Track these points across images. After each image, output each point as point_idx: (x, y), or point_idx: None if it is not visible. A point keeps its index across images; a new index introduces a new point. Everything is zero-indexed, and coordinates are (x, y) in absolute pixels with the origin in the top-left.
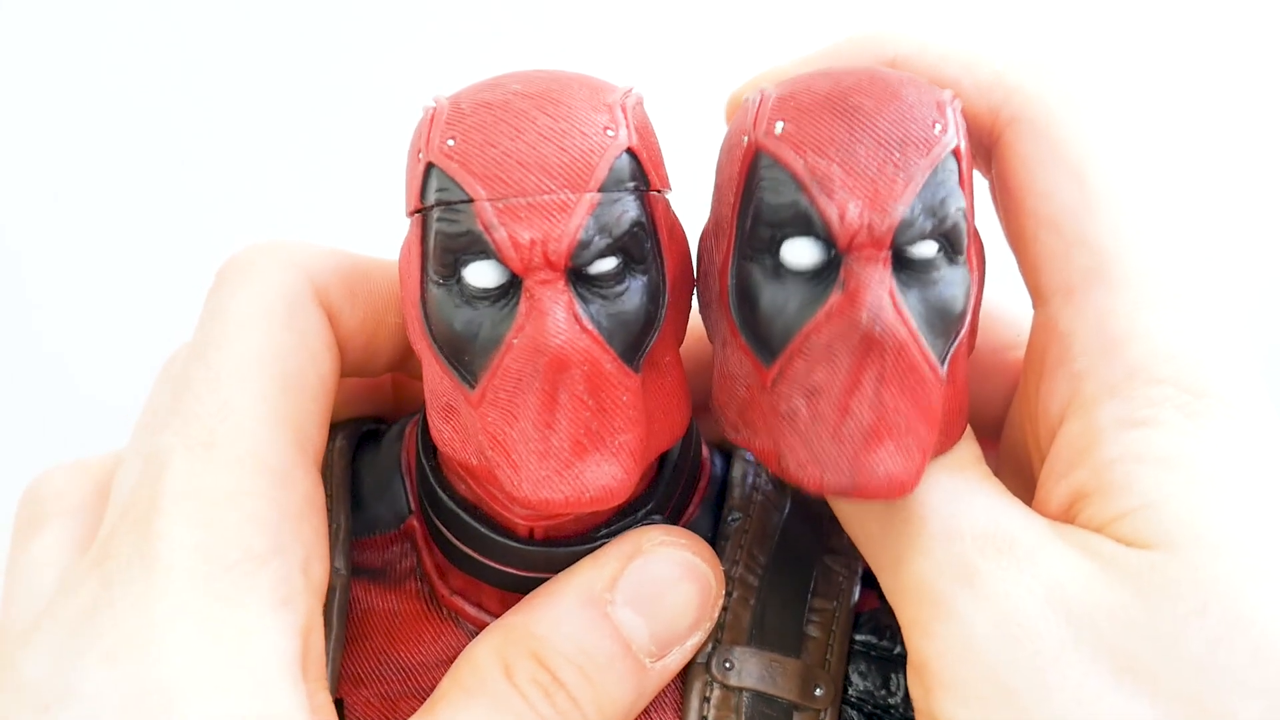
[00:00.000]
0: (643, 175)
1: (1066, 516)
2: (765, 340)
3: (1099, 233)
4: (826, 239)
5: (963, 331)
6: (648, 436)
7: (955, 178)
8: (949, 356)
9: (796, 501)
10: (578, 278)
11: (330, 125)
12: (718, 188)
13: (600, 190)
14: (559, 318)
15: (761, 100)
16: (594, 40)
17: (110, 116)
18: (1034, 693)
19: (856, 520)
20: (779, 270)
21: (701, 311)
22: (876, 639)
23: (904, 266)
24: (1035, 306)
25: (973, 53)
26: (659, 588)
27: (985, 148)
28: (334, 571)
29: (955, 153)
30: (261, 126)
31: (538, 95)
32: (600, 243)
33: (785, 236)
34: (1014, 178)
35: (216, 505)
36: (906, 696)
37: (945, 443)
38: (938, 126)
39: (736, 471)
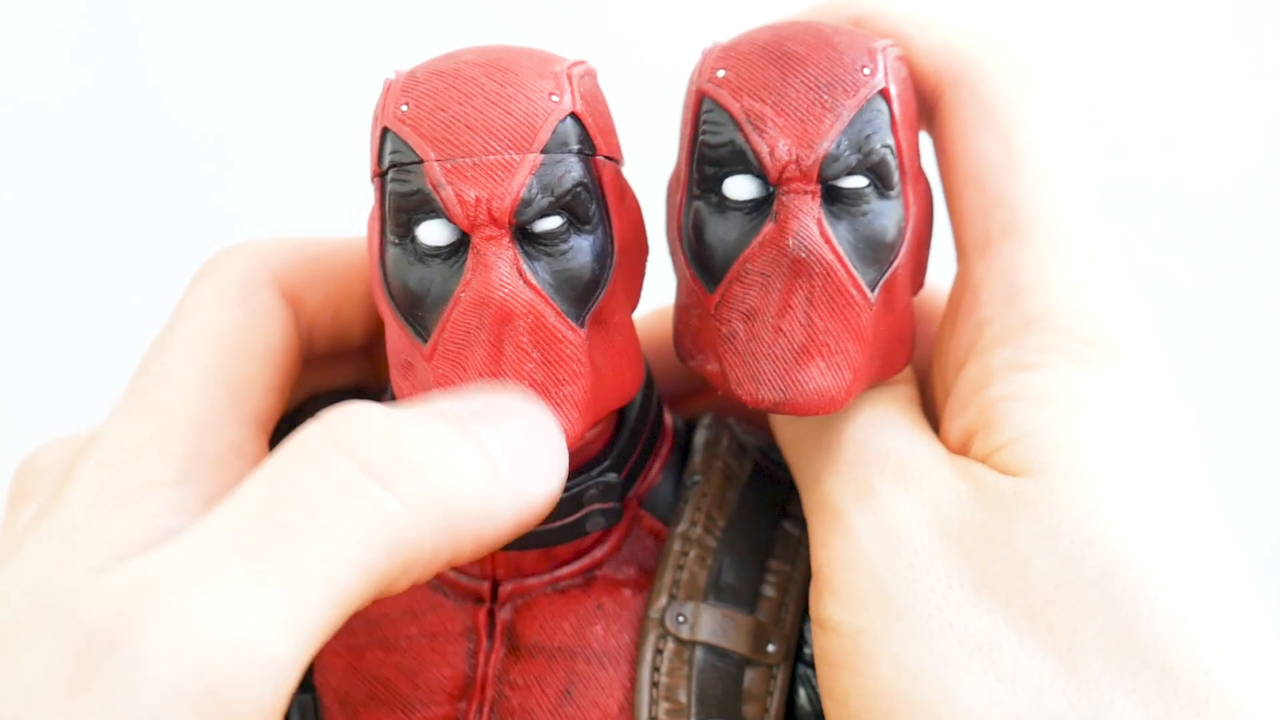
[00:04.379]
0: (588, 140)
1: (961, 451)
2: (709, 269)
3: (1018, 192)
4: (761, 174)
5: (896, 261)
6: (594, 390)
7: (884, 117)
8: (881, 283)
9: (758, 468)
10: (524, 236)
11: (325, 108)
12: (679, 138)
13: (543, 152)
14: (503, 272)
15: (709, 52)
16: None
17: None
18: (905, 599)
19: (791, 444)
20: (723, 205)
21: (671, 256)
22: None
23: (836, 199)
24: (958, 261)
25: (929, 17)
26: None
27: (929, 107)
28: None
29: (884, 94)
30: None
31: (487, 64)
32: (543, 201)
33: (726, 174)
34: (948, 136)
35: (133, 447)
36: None
37: (887, 370)
38: (866, 70)
39: (699, 438)
